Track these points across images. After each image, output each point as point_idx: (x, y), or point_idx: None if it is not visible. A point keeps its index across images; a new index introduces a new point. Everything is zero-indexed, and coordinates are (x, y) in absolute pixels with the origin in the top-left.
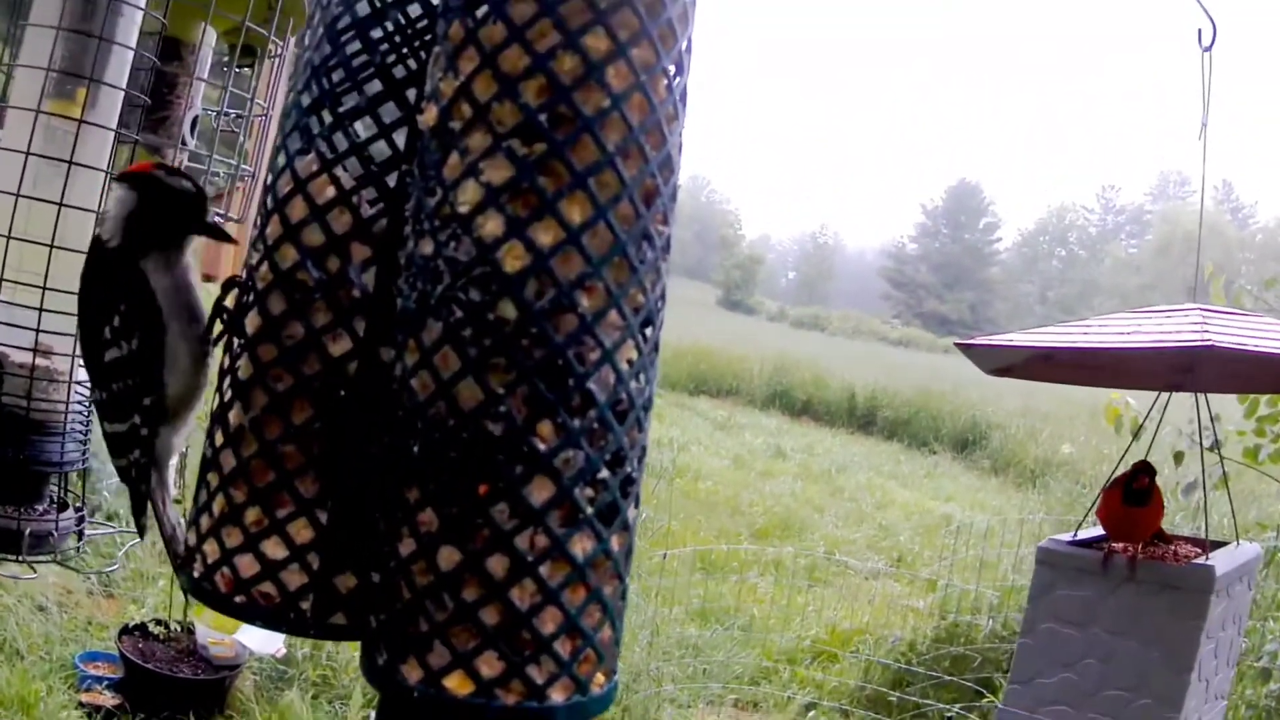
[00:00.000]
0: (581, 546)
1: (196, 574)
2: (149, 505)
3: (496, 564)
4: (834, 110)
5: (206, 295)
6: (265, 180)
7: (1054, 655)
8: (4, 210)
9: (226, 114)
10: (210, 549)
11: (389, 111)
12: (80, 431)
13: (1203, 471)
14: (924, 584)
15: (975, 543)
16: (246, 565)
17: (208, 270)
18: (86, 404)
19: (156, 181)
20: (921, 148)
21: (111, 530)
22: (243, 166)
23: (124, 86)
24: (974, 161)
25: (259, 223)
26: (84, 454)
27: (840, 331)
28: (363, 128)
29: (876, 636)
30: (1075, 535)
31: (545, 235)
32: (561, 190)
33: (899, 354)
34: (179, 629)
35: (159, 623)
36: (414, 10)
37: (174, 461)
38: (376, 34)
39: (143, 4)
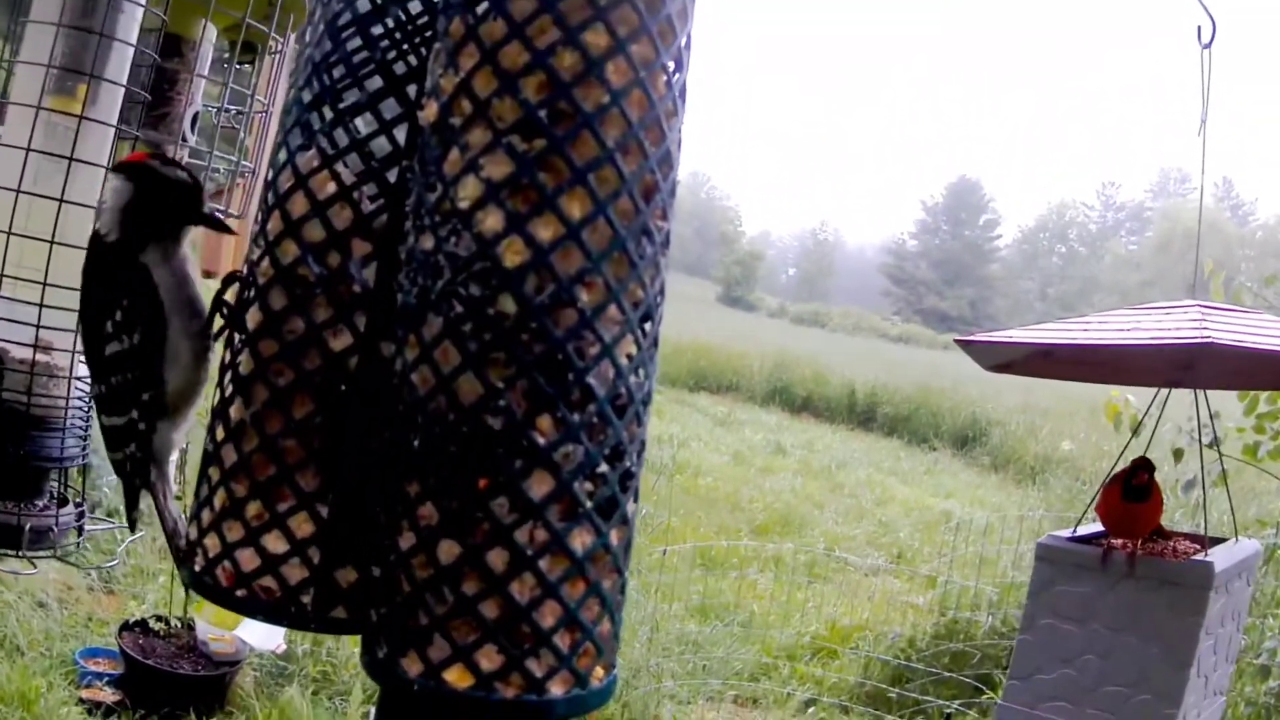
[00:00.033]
0: (581, 540)
1: (198, 568)
2: (144, 499)
3: (496, 558)
4: (833, 106)
5: (207, 291)
6: (266, 176)
7: (1053, 651)
8: (4, 206)
9: (227, 110)
10: (211, 543)
11: (389, 108)
12: (80, 427)
13: (1201, 468)
14: (924, 580)
15: (975, 539)
16: (247, 559)
17: (208, 266)
18: (86, 399)
19: (151, 171)
20: (921, 144)
21: (111, 526)
22: (243, 163)
23: (124, 83)
24: (973, 158)
25: (260, 218)
26: (84, 449)
27: (840, 328)
28: (363, 124)
29: (876, 633)
30: (1074, 531)
31: (545, 230)
32: (561, 186)
33: (899, 350)
34: (179, 625)
35: (159, 619)
36: (414, 7)
37: (174, 457)
38: (377, 30)
39: (143, 0)
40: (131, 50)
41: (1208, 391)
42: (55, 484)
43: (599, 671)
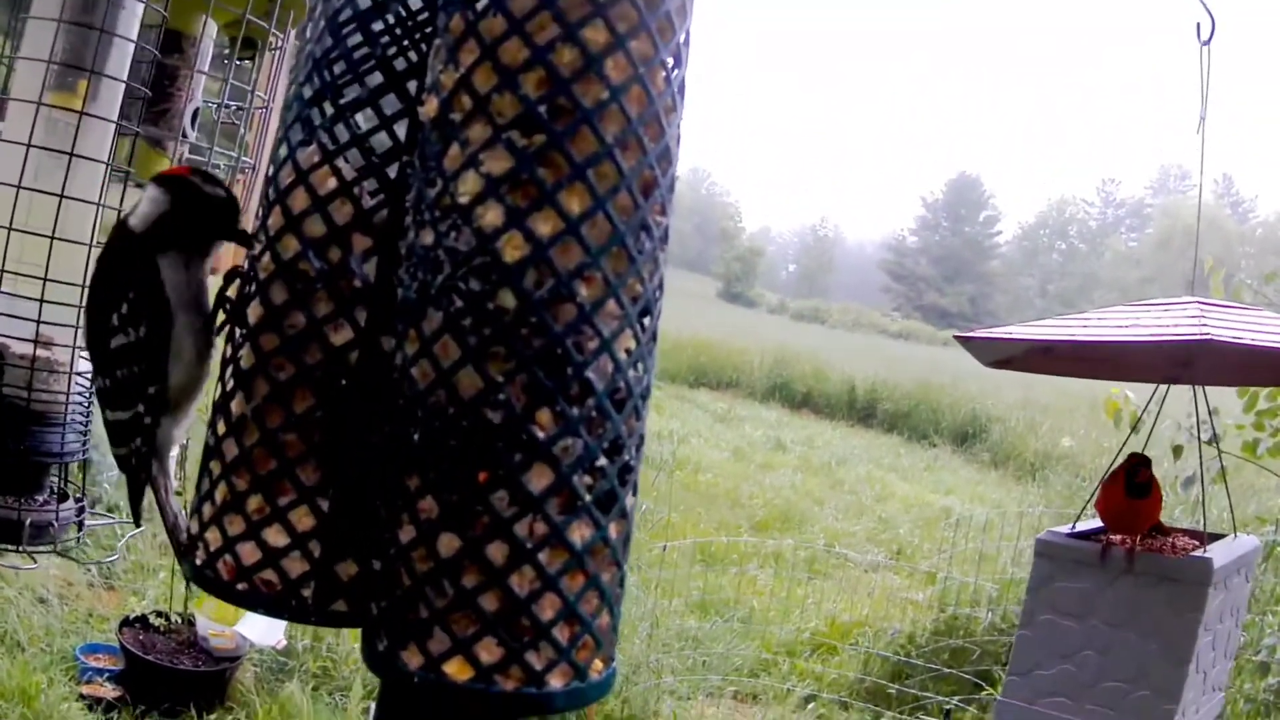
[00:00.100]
0: (580, 533)
1: (199, 562)
2: (149, 494)
3: (496, 551)
4: (833, 103)
5: (209, 287)
6: (267, 172)
7: (1052, 647)
8: (5, 202)
9: (227, 106)
10: (212, 537)
11: (390, 103)
12: (81, 422)
13: (1200, 465)
14: (923, 577)
15: (975, 536)
16: (248, 553)
17: (211, 262)
18: (87, 395)
19: (192, 187)
20: (920, 140)
21: (112, 521)
22: (243, 159)
23: (125, 79)
24: (973, 154)
25: (261, 214)
26: (84, 445)
27: (840, 324)
28: (364, 119)
29: (876, 629)
30: (1073, 527)
31: (544, 225)
32: (561, 181)
33: (899, 347)
34: (180, 621)
35: (160, 615)
36: (415, 3)
37: (175, 453)
38: (378, 26)
39: None
40: (132, 46)
41: (1207, 388)
42: (55, 479)
43: (598, 664)
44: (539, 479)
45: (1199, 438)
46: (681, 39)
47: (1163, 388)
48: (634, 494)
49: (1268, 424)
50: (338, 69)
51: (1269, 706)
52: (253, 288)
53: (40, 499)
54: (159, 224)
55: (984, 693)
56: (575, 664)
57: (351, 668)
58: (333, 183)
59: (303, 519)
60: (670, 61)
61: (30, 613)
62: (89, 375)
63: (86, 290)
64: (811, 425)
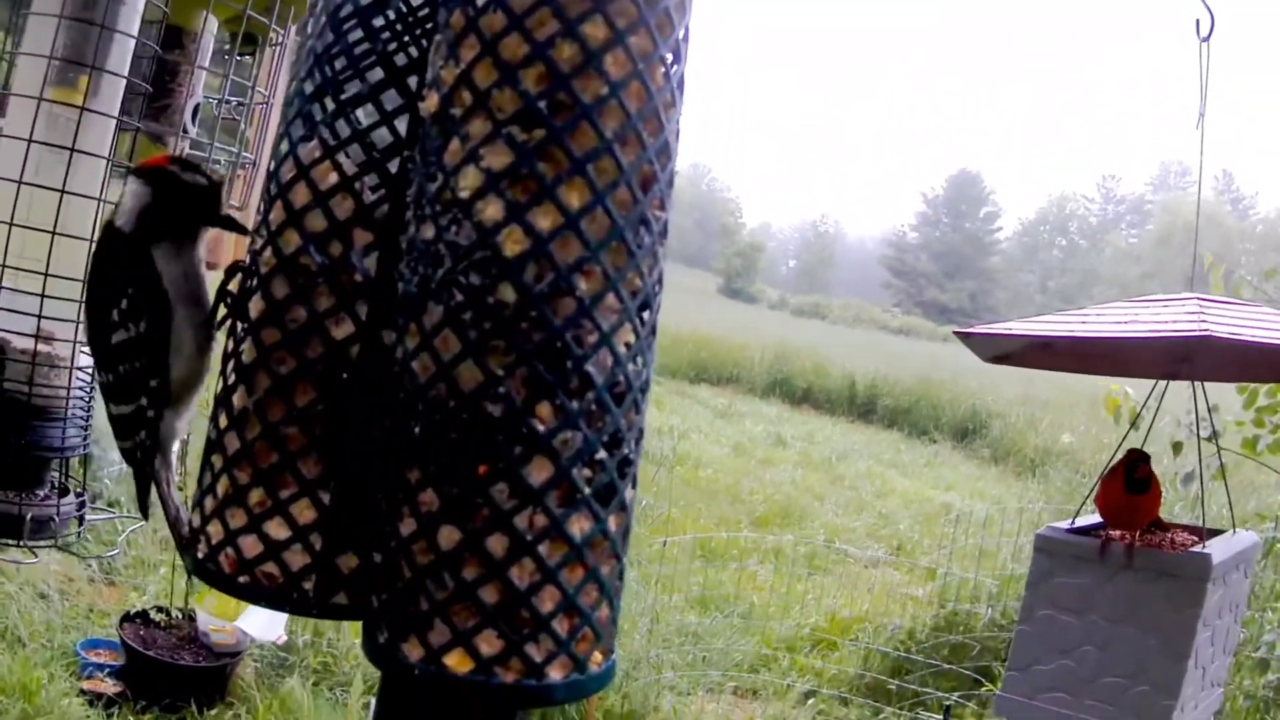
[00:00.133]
0: (579, 526)
1: (200, 555)
2: (152, 488)
3: (496, 543)
4: (832, 100)
5: (210, 281)
6: (269, 167)
7: (1052, 642)
8: (6, 197)
9: (228, 102)
10: (214, 530)
11: (391, 99)
12: (81, 417)
13: (1199, 461)
14: (923, 572)
15: (974, 531)
16: (250, 546)
17: (210, 257)
18: (88, 389)
19: (171, 176)
20: (920, 137)
21: (112, 516)
22: (244, 154)
23: (126, 74)
24: (972, 151)
25: (262, 209)
26: (85, 440)
27: (841, 320)
28: (365, 115)
29: (876, 625)
30: (1073, 523)
31: (544, 220)
32: (560, 176)
33: (899, 342)
34: (180, 616)
35: (160, 610)
36: None
37: (176, 446)
38: (378, 22)
39: None
40: (133, 42)
41: (1207, 385)
42: (56, 474)
43: (597, 656)
44: (539, 472)
45: (1198, 434)
46: (680, 35)
47: (1162, 384)
48: (633, 487)
49: (1267, 421)
50: (339, 65)
51: (1269, 703)
52: (254, 282)
53: (41, 494)
54: (143, 216)
55: (984, 689)
56: (575, 656)
57: (352, 663)
58: (334, 178)
59: (304, 512)
60: (669, 57)
61: (31, 608)
62: (90, 370)
63: (86, 287)
64: (812, 421)
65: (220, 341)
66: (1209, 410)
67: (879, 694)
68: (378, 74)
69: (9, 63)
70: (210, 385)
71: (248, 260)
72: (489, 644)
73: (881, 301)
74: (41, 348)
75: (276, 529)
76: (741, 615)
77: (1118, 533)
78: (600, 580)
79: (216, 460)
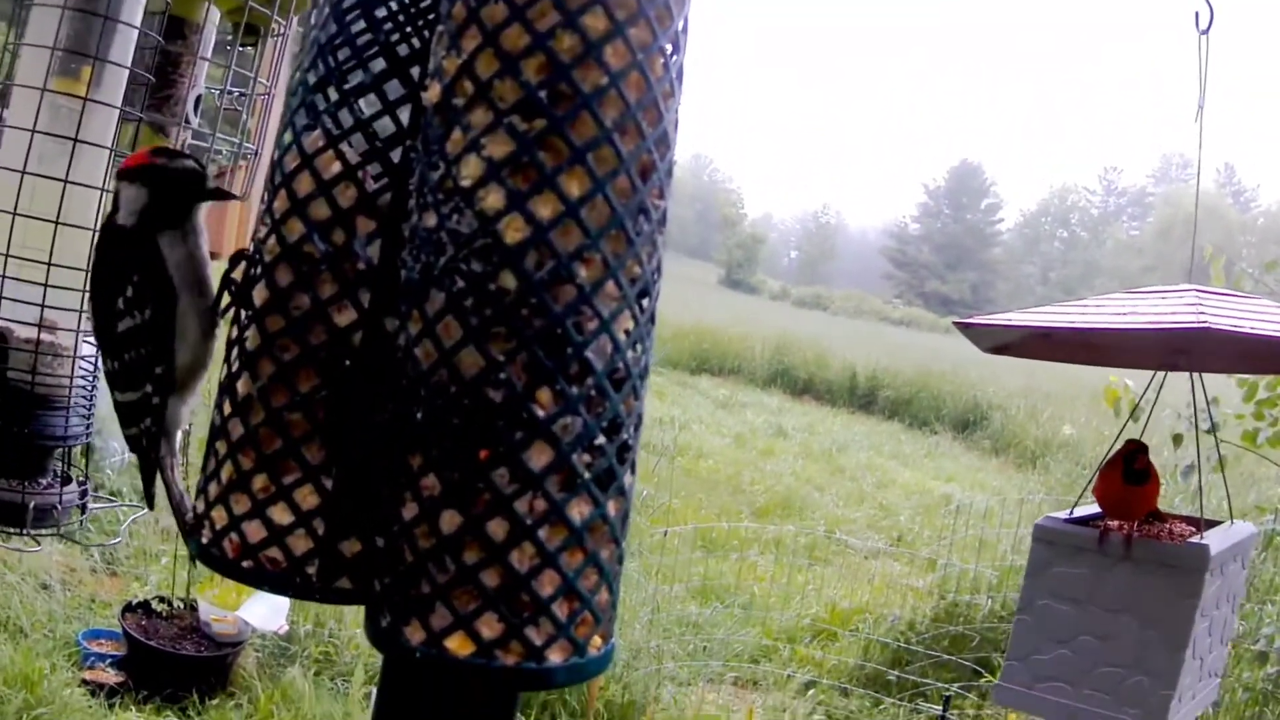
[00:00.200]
0: (579, 511)
1: (204, 540)
2: (158, 474)
3: (496, 527)
4: (831, 99)
5: (214, 269)
6: (273, 156)
7: (1050, 632)
8: (10, 188)
9: (230, 92)
10: (218, 515)
11: (393, 88)
12: (84, 406)
13: (1198, 453)
14: (924, 563)
15: (975, 523)
16: (254, 531)
17: (212, 247)
18: (90, 379)
19: (161, 170)
20: (919, 137)
21: (114, 505)
22: (246, 144)
23: (129, 65)
24: (972, 149)
25: (266, 197)
26: (88, 429)
27: (842, 311)
28: (368, 105)
29: (876, 615)
30: (1071, 513)
31: (545, 208)
32: (561, 165)
33: (900, 334)
34: (182, 606)
35: (162, 600)
36: None
37: (179, 435)
38: (381, 13)
39: None
40: (135, 33)
41: (1206, 377)
42: (59, 463)
43: (597, 640)
44: (539, 457)
45: (1196, 426)
46: (680, 26)
47: (1161, 376)
48: (632, 473)
49: (1267, 413)
50: (342, 55)
51: (1267, 696)
52: (258, 270)
53: (44, 482)
54: (144, 213)
55: (983, 680)
56: (574, 640)
57: (353, 653)
58: (337, 167)
59: (307, 497)
60: (669, 48)
61: (33, 598)
62: (92, 359)
63: (90, 276)
64: (813, 412)
65: (224, 329)
66: (1208, 403)
67: (879, 684)
68: (380, 64)
69: (12, 53)
70: (214, 372)
71: (251, 248)
72: (490, 627)
73: (883, 293)
74: (44, 337)
75: (280, 514)
76: (742, 606)
77: (1116, 523)
78: (600, 565)
79: (220, 446)
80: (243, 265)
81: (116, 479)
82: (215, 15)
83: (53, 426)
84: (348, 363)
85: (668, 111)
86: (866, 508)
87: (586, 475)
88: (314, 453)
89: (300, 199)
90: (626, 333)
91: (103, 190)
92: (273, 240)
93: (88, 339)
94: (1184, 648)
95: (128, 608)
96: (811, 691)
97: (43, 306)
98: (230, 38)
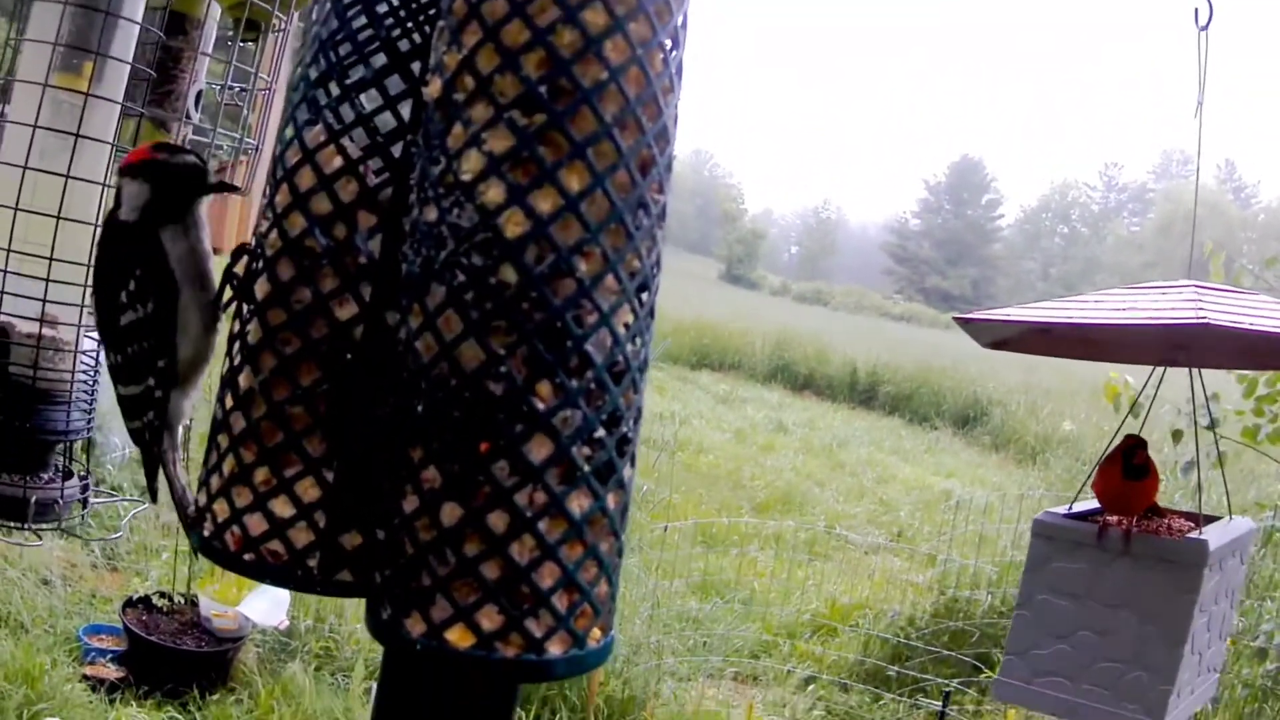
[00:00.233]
0: (579, 503)
1: (206, 533)
2: (160, 468)
3: (497, 520)
4: (831, 99)
5: (215, 264)
6: (274, 150)
7: (1050, 627)
8: (11, 183)
9: (230, 88)
10: (220, 508)
11: (394, 84)
12: (85, 401)
13: (1197, 449)
14: (924, 559)
15: (975, 518)
16: (255, 524)
17: (214, 242)
18: (92, 373)
19: (163, 165)
20: (919, 135)
21: (115, 500)
22: (247, 139)
23: (130, 60)
24: (973, 147)
25: (268, 192)
26: (89, 423)
27: (843, 306)
28: (369, 100)
29: (876, 611)
30: (1070, 508)
31: (545, 202)
32: (561, 159)
33: (901, 329)
34: (182, 602)
35: (163, 595)
36: None
37: (182, 427)
38: (382, 9)
39: None
40: (137, 28)
41: (1205, 372)
42: (60, 457)
43: (596, 632)
44: (539, 449)
45: (1195, 422)
46: (679, 21)
47: (1159, 371)
48: (631, 466)
49: (1267, 409)
50: (343, 50)
51: (1266, 692)
52: (260, 264)
53: (45, 477)
54: (146, 209)
55: (983, 675)
56: (574, 632)
57: (354, 648)
58: (338, 161)
59: (309, 490)
60: (668, 43)
61: (34, 594)
62: (94, 353)
63: (92, 271)
64: (813, 407)
65: (226, 323)
66: (1207, 399)
67: (879, 680)
68: (381, 59)
69: (14, 49)
70: (215, 367)
71: (253, 243)
72: (490, 619)
73: (883, 288)
74: (46, 332)
75: (281, 507)
76: (742, 601)
77: (1115, 518)
78: (599, 557)
79: (223, 440)
80: (244, 259)
81: (117, 474)
82: (216, 11)
83: (54, 421)
84: (349, 356)
85: (667, 107)
86: (867, 503)
87: (586, 468)
88: (315, 446)
89: (302, 193)
90: (626, 326)
91: (104, 185)
92: (274, 234)
93: (89, 334)
94: (1183, 643)
95: (128, 603)
96: (811, 687)
97: (44, 301)
98: (231, 33)
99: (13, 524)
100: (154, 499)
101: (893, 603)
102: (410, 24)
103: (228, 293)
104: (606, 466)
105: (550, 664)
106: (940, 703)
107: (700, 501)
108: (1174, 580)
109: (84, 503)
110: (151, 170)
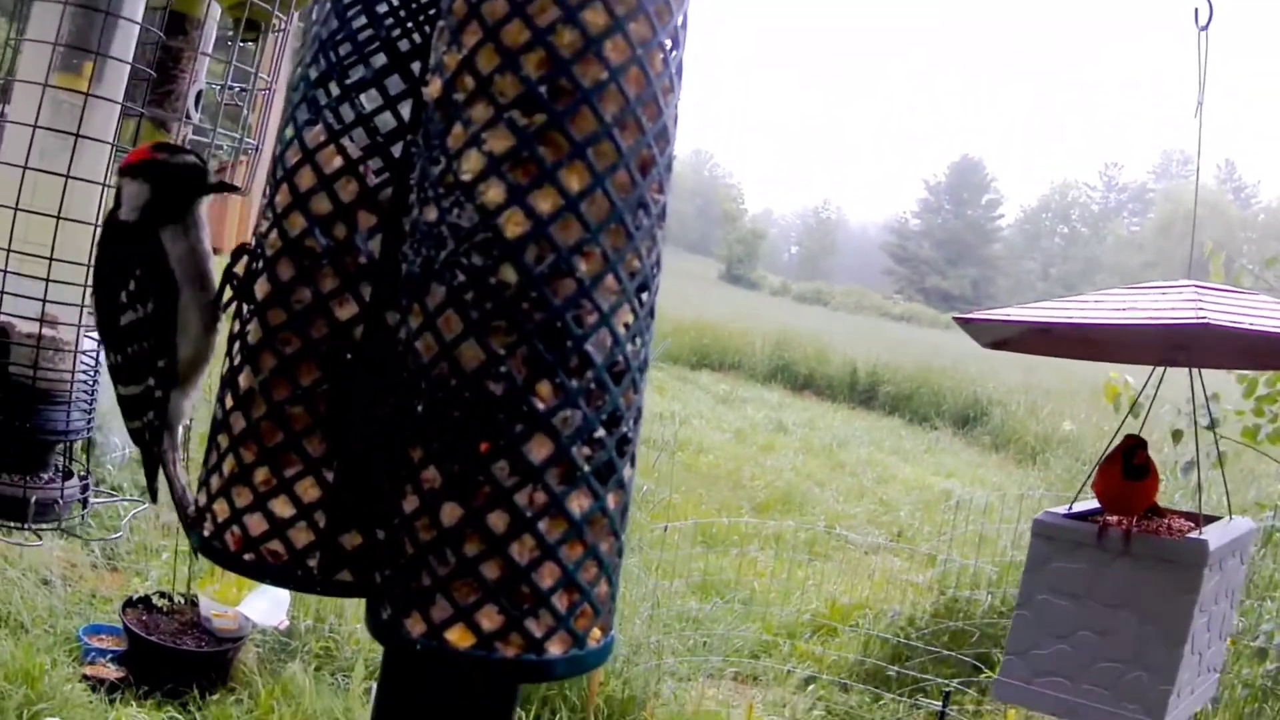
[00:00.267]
0: (579, 503)
1: (206, 533)
2: (160, 468)
3: (497, 520)
4: (831, 99)
5: (215, 264)
6: (274, 150)
7: (1050, 627)
8: (11, 183)
9: (230, 88)
10: (220, 508)
11: (394, 84)
12: (85, 401)
13: (1197, 449)
14: (924, 559)
15: (975, 518)
16: (255, 524)
17: (214, 242)
18: (92, 373)
19: (163, 165)
20: (919, 136)
21: (115, 500)
22: (247, 139)
23: (130, 60)
24: (973, 147)
25: (268, 192)
26: (89, 423)
27: (843, 306)
28: (369, 100)
29: (876, 611)
30: (1070, 508)
31: (545, 202)
32: (561, 159)
33: (901, 329)
34: (182, 602)
35: (163, 595)
36: None
37: (182, 427)
38: (382, 9)
39: None
40: (137, 28)
41: (1205, 372)
42: (60, 457)
43: (596, 632)
44: (539, 449)
45: (1195, 422)
46: (679, 21)
47: (1160, 371)
48: (631, 466)
49: (1267, 410)
50: (343, 50)
51: (1266, 692)
52: (260, 264)
53: (45, 477)
54: (146, 209)
55: (983, 675)
56: (574, 632)
57: (354, 648)
58: (338, 161)
59: (309, 490)
60: (668, 43)
61: (34, 594)
62: (94, 354)
63: (92, 271)
64: (813, 407)
65: (226, 323)
66: (1207, 399)
67: (879, 680)
68: (381, 59)
69: (14, 49)
70: (215, 367)
71: (253, 243)
72: (490, 619)
73: (883, 288)
74: (46, 332)
75: (281, 507)
76: (742, 601)
77: (1115, 518)
78: (599, 557)
79: (223, 440)
80: (244, 259)
81: (117, 474)
82: (216, 11)
83: (54, 421)
84: (349, 356)
85: (667, 106)
86: (866, 503)
87: (586, 468)
88: (315, 446)
89: (302, 193)
90: (626, 326)
91: (104, 185)
92: (274, 234)
93: (89, 334)
94: (1183, 643)
95: (128, 603)
96: (811, 687)
97: (44, 301)
98: (231, 33)
99: (13, 524)
100: (154, 499)
101: (893, 603)
102: (410, 24)
103: (228, 293)
104: (606, 466)
105: (550, 664)
106: (940, 703)
107: (700, 501)
108: (1174, 580)
109: (84, 503)
110: (151, 170)
